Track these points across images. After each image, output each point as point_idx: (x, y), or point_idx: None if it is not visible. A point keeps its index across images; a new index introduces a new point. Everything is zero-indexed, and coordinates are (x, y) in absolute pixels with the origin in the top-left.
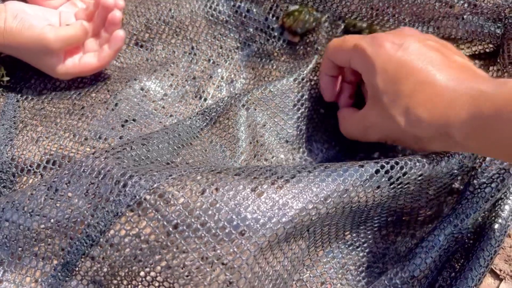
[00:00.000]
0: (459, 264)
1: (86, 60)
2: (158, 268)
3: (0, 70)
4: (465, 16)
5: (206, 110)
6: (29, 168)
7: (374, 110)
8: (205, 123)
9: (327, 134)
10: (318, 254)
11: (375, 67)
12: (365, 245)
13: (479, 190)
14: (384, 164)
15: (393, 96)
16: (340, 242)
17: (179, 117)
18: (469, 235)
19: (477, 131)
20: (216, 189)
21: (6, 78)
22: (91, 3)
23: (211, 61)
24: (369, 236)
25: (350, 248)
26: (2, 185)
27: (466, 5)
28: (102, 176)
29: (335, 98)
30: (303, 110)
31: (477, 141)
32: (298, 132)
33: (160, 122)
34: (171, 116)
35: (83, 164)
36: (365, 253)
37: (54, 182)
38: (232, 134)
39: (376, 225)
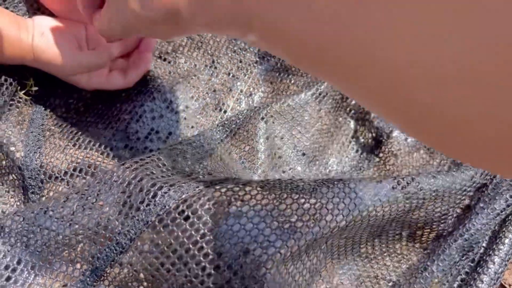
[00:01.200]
0: (469, 278)
1: (113, 80)
2: (189, 275)
3: (29, 80)
4: None
5: (226, 122)
6: (57, 175)
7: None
8: (225, 135)
9: (343, 148)
10: (334, 265)
11: None
12: (379, 257)
13: (489, 205)
14: (401, 180)
15: None
16: (355, 255)
17: (200, 128)
18: (479, 249)
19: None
20: (242, 202)
21: (34, 88)
22: None
23: (231, 74)
24: (383, 249)
25: (365, 260)
26: (30, 191)
27: None
28: (133, 186)
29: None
30: (320, 124)
31: (205, 17)
32: (315, 145)
33: (182, 133)
34: (192, 127)
35: (114, 174)
36: (379, 266)
37: (87, 190)
38: (251, 146)
39: (390, 239)
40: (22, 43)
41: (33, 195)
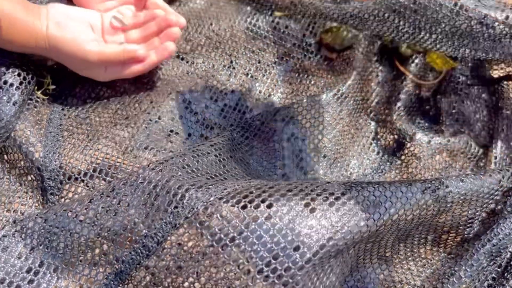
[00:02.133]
0: (497, 283)
1: (130, 67)
2: (213, 280)
3: (46, 78)
4: (502, 40)
5: (246, 122)
6: (76, 176)
7: None
8: (244, 136)
9: (364, 150)
10: (359, 269)
11: None
12: (404, 262)
13: None
14: (430, 184)
15: None
16: (380, 258)
17: (219, 129)
18: (506, 254)
19: None
20: (270, 204)
21: (52, 87)
22: (141, 14)
23: (249, 75)
24: (408, 254)
25: (390, 264)
26: (50, 192)
27: (507, 28)
28: (159, 188)
29: None
30: (341, 125)
31: None
32: (336, 147)
33: (201, 134)
34: (211, 128)
35: (140, 175)
36: (403, 270)
37: (111, 192)
38: (272, 147)
39: (415, 243)
40: (34, 30)
41: (52, 196)
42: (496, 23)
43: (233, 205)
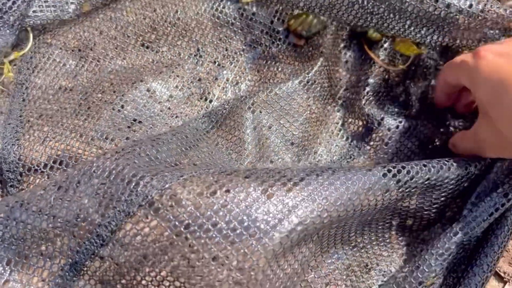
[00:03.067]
0: (462, 269)
1: None
2: (169, 268)
3: (6, 65)
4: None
5: (212, 112)
6: (36, 168)
7: (483, 125)
8: (211, 125)
9: (333, 136)
10: (323, 255)
11: (477, 79)
12: (368, 246)
13: (489, 198)
14: (391, 168)
15: (498, 109)
16: (345, 244)
17: (184, 118)
18: (474, 242)
19: None
20: (227, 191)
21: (11, 74)
22: None
23: (217, 63)
24: (373, 238)
25: (355, 249)
26: (9, 184)
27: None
28: (113, 176)
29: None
30: (308, 112)
31: None
32: (304, 134)
33: (166, 123)
34: (176, 117)
35: (94, 164)
36: (369, 255)
37: (64, 182)
38: (238, 136)
39: (380, 227)
40: None
41: (12, 189)
42: (459, 15)
43: (189, 192)
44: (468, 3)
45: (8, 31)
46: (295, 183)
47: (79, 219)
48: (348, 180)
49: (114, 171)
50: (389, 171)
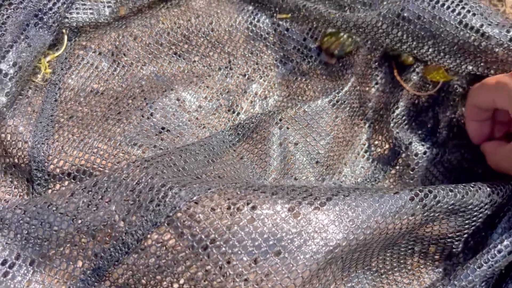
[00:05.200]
0: None
1: None
2: (192, 282)
3: (43, 63)
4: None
5: (239, 125)
6: (64, 168)
7: None
8: (237, 138)
9: (358, 158)
10: (344, 278)
11: None
12: (389, 272)
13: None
14: (418, 192)
15: None
16: (366, 268)
17: (211, 129)
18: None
19: None
20: (254, 207)
21: (48, 70)
22: None
23: (246, 76)
24: (394, 264)
25: (376, 274)
26: (36, 183)
27: None
28: (142, 184)
29: (484, 140)
30: (335, 132)
31: None
32: (330, 154)
33: (193, 133)
34: (204, 127)
35: (124, 171)
36: (389, 281)
37: (93, 187)
38: (264, 151)
39: (402, 253)
40: None
41: (39, 187)
42: (499, 48)
43: (216, 206)
44: (509, 37)
45: (46, 32)
46: (322, 203)
47: (105, 225)
48: (376, 203)
49: (143, 180)
50: (416, 195)
